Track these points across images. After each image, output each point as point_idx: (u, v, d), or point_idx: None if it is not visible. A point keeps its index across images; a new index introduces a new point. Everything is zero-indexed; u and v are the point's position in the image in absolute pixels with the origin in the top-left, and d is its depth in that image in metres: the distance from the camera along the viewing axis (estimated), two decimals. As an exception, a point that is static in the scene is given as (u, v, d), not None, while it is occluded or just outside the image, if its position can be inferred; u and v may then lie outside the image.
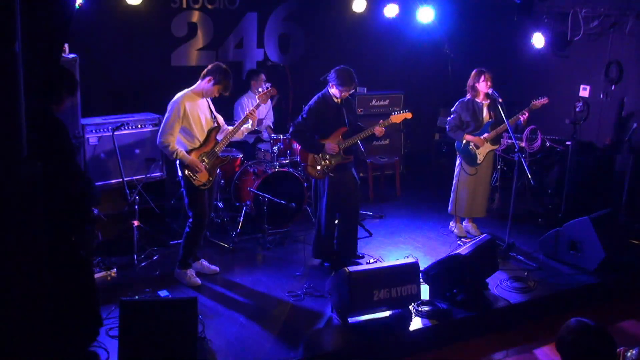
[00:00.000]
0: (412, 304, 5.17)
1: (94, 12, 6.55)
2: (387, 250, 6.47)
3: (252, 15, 8.19)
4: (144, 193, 6.32)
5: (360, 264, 6.00)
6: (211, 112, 5.57)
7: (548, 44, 8.13)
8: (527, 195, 8.03)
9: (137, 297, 5.13)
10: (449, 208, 6.93)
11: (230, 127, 5.69)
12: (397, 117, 5.96)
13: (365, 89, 8.54)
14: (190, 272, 5.61)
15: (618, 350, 3.05)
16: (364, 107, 8.62)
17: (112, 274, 5.62)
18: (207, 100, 5.55)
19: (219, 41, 8.01)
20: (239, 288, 5.59)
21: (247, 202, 6.79)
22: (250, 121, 5.61)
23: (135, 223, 5.88)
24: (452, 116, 6.69)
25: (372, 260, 6.12)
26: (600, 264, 6.01)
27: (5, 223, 3.28)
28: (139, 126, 6.70)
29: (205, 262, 5.85)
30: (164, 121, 5.38)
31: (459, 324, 5.18)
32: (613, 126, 8.12)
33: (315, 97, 5.84)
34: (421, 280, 5.25)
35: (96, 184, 5.02)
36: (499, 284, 5.72)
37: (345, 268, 4.90)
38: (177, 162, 5.39)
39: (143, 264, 5.91)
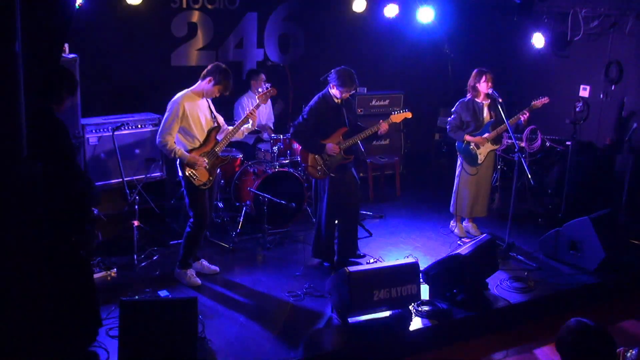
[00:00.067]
0: (412, 304, 5.17)
1: (94, 12, 6.55)
2: (387, 250, 6.47)
3: (252, 15, 8.19)
4: (144, 193, 6.32)
5: (361, 263, 6.00)
6: (211, 112, 5.57)
7: (548, 44, 8.13)
8: (527, 195, 8.03)
9: (137, 297, 5.12)
10: (451, 208, 6.93)
11: (231, 127, 5.69)
12: (397, 116, 5.96)
13: (365, 89, 8.54)
14: (191, 272, 5.61)
15: (618, 350, 3.05)
16: (364, 107, 8.62)
17: (112, 274, 5.62)
18: (207, 101, 5.55)
19: (219, 41, 8.01)
20: (239, 288, 5.59)
21: (247, 202, 6.79)
22: (250, 121, 5.61)
23: (135, 223, 5.88)
24: (452, 116, 6.69)
25: (372, 260, 6.11)
26: (600, 264, 6.01)
27: (5, 223, 3.28)
28: (139, 126, 6.70)
29: (205, 262, 5.85)
30: (163, 121, 5.38)
31: (459, 324, 5.18)
32: (613, 126, 8.12)
33: (315, 98, 5.84)
34: (421, 280, 5.25)
35: (96, 184, 5.04)
36: (499, 284, 5.72)
37: (345, 268, 4.90)
38: (177, 161, 5.39)
39: (143, 264, 5.91)
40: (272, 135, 7.19)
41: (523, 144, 7.58)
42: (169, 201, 6.99)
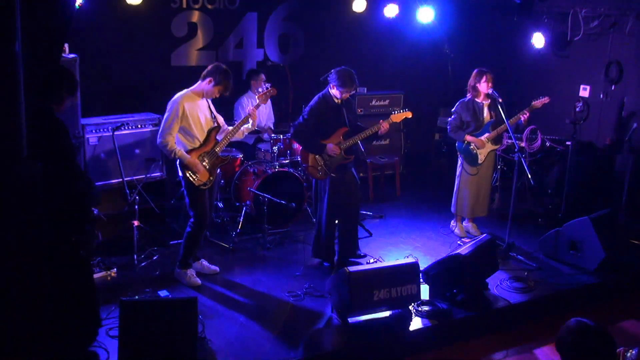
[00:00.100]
0: (412, 304, 5.17)
1: (94, 12, 6.55)
2: (387, 250, 6.47)
3: (252, 15, 8.19)
4: (144, 193, 6.32)
5: (361, 263, 6.00)
6: (211, 112, 5.57)
7: (548, 44, 8.12)
8: (527, 195, 8.03)
9: (137, 297, 5.12)
10: (452, 208, 6.93)
11: (230, 127, 5.69)
12: (398, 116, 5.96)
13: (365, 89, 8.54)
14: (191, 272, 5.61)
15: (618, 350, 3.05)
16: (364, 107, 8.62)
17: (112, 274, 5.62)
18: (207, 101, 5.55)
19: (219, 41, 8.01)
20: (239, 288, 5.59)
21: (247, 202, 6.79)
22: (250, 121, 5.61)
23: (135, 223, 5.88)
24: (452, 116, 6.69)
25: (372, 260, 6.11)
26: (600, 264, 6.01)
27: (5, 223, 3.28)
28: (139, 126, 6.70)
29: (205, 262, 5.85)
30: (163, 121, 5.38)
31: (459, 324, 5.18)
32: (613, 126, 8.12)
33: (315, 98, 5.84)
34: (421, 280, 5.25)
35: (96, 184, 5.04)
36: (499, 284, 5.72)
37: (345, 268, 4.90)
38: (177, 162, 5.39)
39: (143, 264, 5.90)
40: (272, 135, 7.19)
41: (523, 144, 7.59)
42: (169, 201, 6.99)
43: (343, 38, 8.68)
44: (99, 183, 6.08)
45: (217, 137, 5.55)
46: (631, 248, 6.65)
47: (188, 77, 5.96)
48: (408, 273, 5.10)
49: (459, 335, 5.16)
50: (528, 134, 7.62)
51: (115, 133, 6.26)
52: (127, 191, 6.07)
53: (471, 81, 6.56)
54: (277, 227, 6.84)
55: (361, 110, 8.47)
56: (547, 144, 7.83)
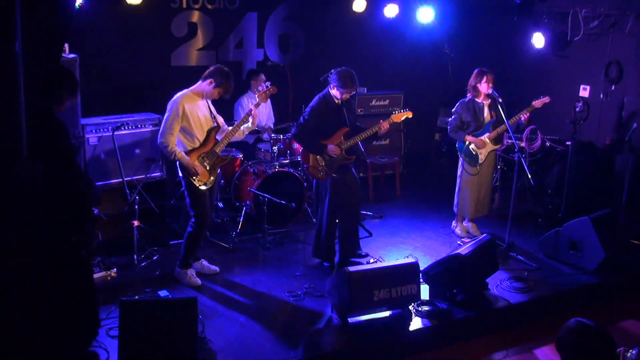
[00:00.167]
0: (412, 304, 5.16)
1: (94, 12, 6.56)
2: (387, 250, 6.47)
3: (252, 15, 8.19)
4: (144, 193, 6.32)
5: (362, 263, 6.00)
6: (211, 112, 5.57)
7: (548, 44, 8.13)
8: (527, 195, 8.03)
9: (137, 297, 5.12)
10: (455, 208, 6.93)
11: (231, 127, 5.69)
12: (398, 115, 5.96)
13: (365, 89, 8.54)
14: (191, 272, 5.61)
15: (618, 350, 3.05)
16: (364, 107, 8.62)
17: (112, 274, 5.62)
18: (207, 101, 5.55)
19: (219, 41, 8.01)
20: (239, 288, 5.59)
21: (247, 202, 6.79)
22: (250, 120, 5.61)
23: (135, 223, 5.88)
24: (453, 117, 6.69)
25: (372, 260, 6.12)
26: (600, 264, 6.01)
27: (5, 223, 3.28)
28: (139, 126, 6.70)
29: (205, 262, 5.85)
30: (163, 121, 5.39)
31: (459, 324, 5.18)
32: (613, 126, 8.12)
33: (316, 98, 5.84)
34: (421, 280, 5.25)
35: (96, 184, 5.04)
36: (499, 284, 5.72)
37: (346, 268, 4.90)
38: (177, 163, 5.39)
39: (143, 264, 5.90)
40: (272, 135, 7.19)
41: (523, 144, 7.59)
42: (169, 201, 6.99)
43: (343, 38, 8.68)
44: (99, 183, 6.08)
45: (217, 137, 5.55)
46: (631, 248, 6.65)
47: (188, 77, 5.96)
48: (408, 273, 5.10)
49: (459, 335, 5.16)
50: (528, 134, 7.62)
51: (115, 133, 6.26)
52: (127, 191, 6.07)
53: (472, 81, 6.55)
54: (277, 227, 6.84)
55: (361, 110, 8.47)
56: (547, 144, 7.84)
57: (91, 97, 6.62)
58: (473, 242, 5.60)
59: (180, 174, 5.44)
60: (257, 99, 5.73)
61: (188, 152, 5.39)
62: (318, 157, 5.82)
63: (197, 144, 5.44)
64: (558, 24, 8.48)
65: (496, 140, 6.63)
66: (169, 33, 7.63)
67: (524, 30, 8.19)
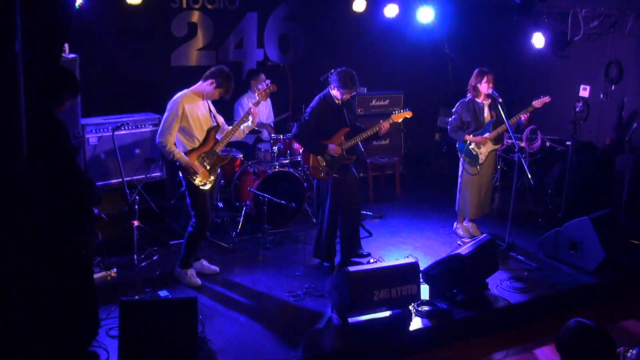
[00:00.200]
0: (412, 304, 5.16)
1: (94, 12, 6.55)
2: (387, 250, 6.47)
3: (252, 15, 8.19)
4: (144, 193, 6.31)
5: (362, 263, 6.00)
6: (211, 112, 5.57)
7: (548, 44, 8.12)
8: (527, 195, 8.03)
9: (137, 297, 5.12)
10: (457, 207, 6.93)
11: (230, 127, 5.69)
12: (398, 115, 5.97)
13: (365, 89, 8.54)
14: (191, 272, 5.61)
15: (618, 350, 3.05)
16: (364, 107, 8.62)
17: (112, 274, 5.62)
18: (207, 101, 5.55)
19: (219, 41, 8.01)
20: (239, 288, 5.59)
21: (247, 202, 6.79)
22: (250, 119, 5.61)
23: (135, 223, 5.88)
24: (453, 117, 6.69)
25: (372, 260, 6.12)
26: (600, 264, 6.01)
27: (5, 223, 3.28)
28: (139, 126, 6.70)
29: (205, 262, 5.85)
30: (162, 121, 5.38)
31: (459, 324, 5.18)
32: (613, 126, 8.13)
33: (316, 98, 5.84)
34: (421, 280, 5.25)
35: (96, 184, 5.03)
36: (499, 284, 5.71)
37: (346, 268, 4.90)
38: (176, 162, 5.39)
39: (143, 264, 5.90)
40: (272, 135, 7.19)
41: (523, 144, 7.59)
42: (169, 201, 6.99)
43: (343, 38, 8.69)
44: (99, 183, 6.07)
45: (217, 137, 5.55)
46: (631, 248, 6.65)
47: (188, 77, 5.96)
48: (408, 273, 5.10)
49: (459, 335, 5.16)
50: (528, 134, 7.62)
51: (115, 133, 6.26)
52: (127, 191, 6.06)
53: (472, 81, 6.55)
54: (277, 227, 6.84)
55: (361, 110, 8.47)
56: (547, 144, 7.84)
57: (91, 97, 6.60)
58: (473, 242, 5.60)
59: (181, 174, 5.44)
60: (257, 98, 5.73)
61: (188, 152, 5.38)
62: (319, 157, 5.82)
63: (197, 144, 5.44)
64: (558, 24, 8.48)
65: (496, 140, 6.63)
66: (169, 33, 7.63)
67: (524, 30, 8.18)
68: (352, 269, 4.92)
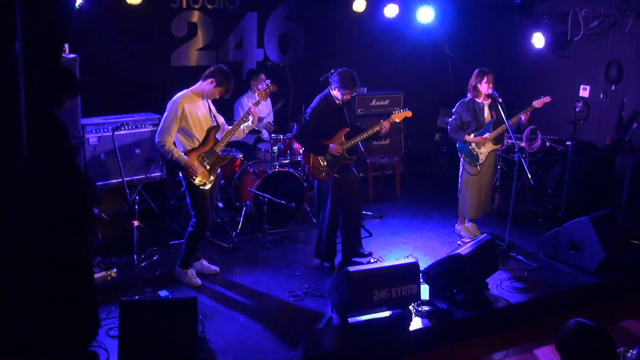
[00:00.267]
0: (412, 304, 5.16)
1: (94, 12, 6.56)
2: (387, 250, 6.46)
3: (252, 15, 8.19)
4: (144, 193, 6.31)
5: (363, 262, 6.00)
6: (211, 112, 5.57)
7: (548, 44, 8.13)
8: (527, 195, 8.03)
9: (137, 297, 5.13)
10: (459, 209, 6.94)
11: (230, 127, 5.68)
12: (399, 115, 5.97)
13: (365, 89, 8.54)
14: (191, 272, 5.61)
15: (618, 350, 3.05)
16: (364, 107, 8.62)
17: (112, 274, 5.62)
18: (207, 101, 5.55)
19: (219, 41, 8.01)
20: (239, 288, 5.59)
21: (247, 202, 6.79)
22: (250, 118, 5.61)
23: (135, 223, 5.88)
24: (453, 117, 6.69)
25: (372, 260, 6.12)
26: (600, 264, 6.01)
27: (5, 223, 3.28)
28: (139, 126, 6.70)
29: (205, 262, 5.85)
30: (162, 121, 5.38)
31: (459, 324, 5.18)
32: (613, 126, 8.13)
33: (317, 99, 5.84)
34: (421, 280, 5.25)
35: (96, 184, 5.03)
36: (499, 284, 5.71)
37: (346, 268, 4.90)
38: (175, 162, 5.38)
39: (143, 264, 5.90)
40: (272, 135, 7.19)
41: (523, 144, 7.59)
42: (169, 201, 6.99)
43: (343, 38, 8.68)
44: (99, 183, 6.07)
45: (217, 137, 5.55)
46: (631, 248, 6.65)
47: (188, 77, 5.96)
48: (408, 273, 5.10)
49: (459, 335, 5.16)
50: (528, 134, 7.62)
51: (115, 133, 6.26)
52: (127, 191, 6.06)
53: (472, 81, 6.55)
54: (277, 227, 6.84)
55: (361, 110, 8.47)
56: (547, 144, 7.84)
57: (91, 97, 6.61)
58: (473, 242, 5.60)
59: (181, 174, 5.44)
60: (257, 98, 5.72)
61: (187, 152, 5.38)
62: (319, 157, 5.82)
63: (197, 144, 5.44)
64: (558, 24, 8.48)
65: (496, 140, 6.63)
66: (169, 33, 7.63)
67: (524, 30, 8.19)
68: (352, 269, 4.92)
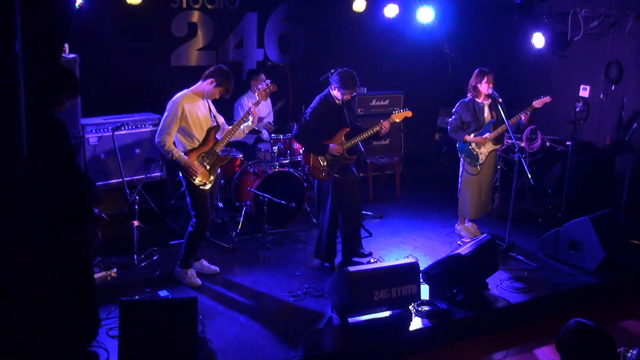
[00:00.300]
0: (412, 304, 5.16)
1: (94, 12, 6.55)
2: (387, 250, 6.46)
3: (252, 15, 8.19)
4: (144, 193, 6.32)
5: (363, 262, 6.00)
6: (211, 112, 5.57)
7: (548, 44, 8.13)
8: (527, 195, 8.03)
9: (137, 297, 5.12)
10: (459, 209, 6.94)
11: (230, 127, 5.68)
12: (399, 115, 5.97)
13: (365, 89, 8.54)
14: (191, 272, 5.61)
15: (618, 350, 3.06)
16: (364, 107, 8.62)
17: (112, 274, 5.62)
18: (207, 101, 5.55)
19: (219, 41, 8.01)
20: (239, 288, 5.59)
21: (247, 202, 6.79)
22: (250, 118, 5.61)
23: (135, 223, 5.88)
24: (453, 117, 6.69)
25: (372, 260, 6.12)
26: (600, 264, 6.01)
27: (5, 223, 3.28)
28: (139, 126, 6.70)
29: (205, 262, 5.85)
30: (162, 121, 5.38)
31: (459, 324, 5.18)
32: (613, 126, 8.13)
33: (317, 99, 5.84)
34: (421, 280, 5.25)
35: (96, 183, 5.03)
36: (499, 284, 5.71)
37: (346, 268, 4.90)
38: (175, 162, 5.38)
39: (143, 264, 5.90)
40: (272, 135, 7.19)
41: (523, 144, 7.59)
42: (169, 201, 6.99)
43: (343, 38, 8.68)
44: (99, 183, 6.08)
45: (217, 137, 5.55)
46: (631, 248, 6.65)
47: (188, 77, 5.96)
48: (408, 273, 5.10)
49: (459, 335, 5.16)
50: (528, 134, 7.62)
51: (115, 133, 6.26)
52: (127, 191, 6.07)
53: (472, 81, 6.55)
54: (277, 227, 6.84)
55: (361, 110, 8.47)
56: (547, 144, 7.84)
57: (91, 97, 6.60)
58: (473, 242, 5.60)
59: (181, 174, 5.44)
60: (257, 98, 5.72)
61: (187, 152, 5.38)
62: (319, 157, 5.82)
63: (197, 144, 5.44)
64: (558, 24, 8.48)
65: (497, 140, 6.63)
66: (169, 33, 7.63)
67: (524, 30, 8.19)
68: (352, 269, 4.92)
